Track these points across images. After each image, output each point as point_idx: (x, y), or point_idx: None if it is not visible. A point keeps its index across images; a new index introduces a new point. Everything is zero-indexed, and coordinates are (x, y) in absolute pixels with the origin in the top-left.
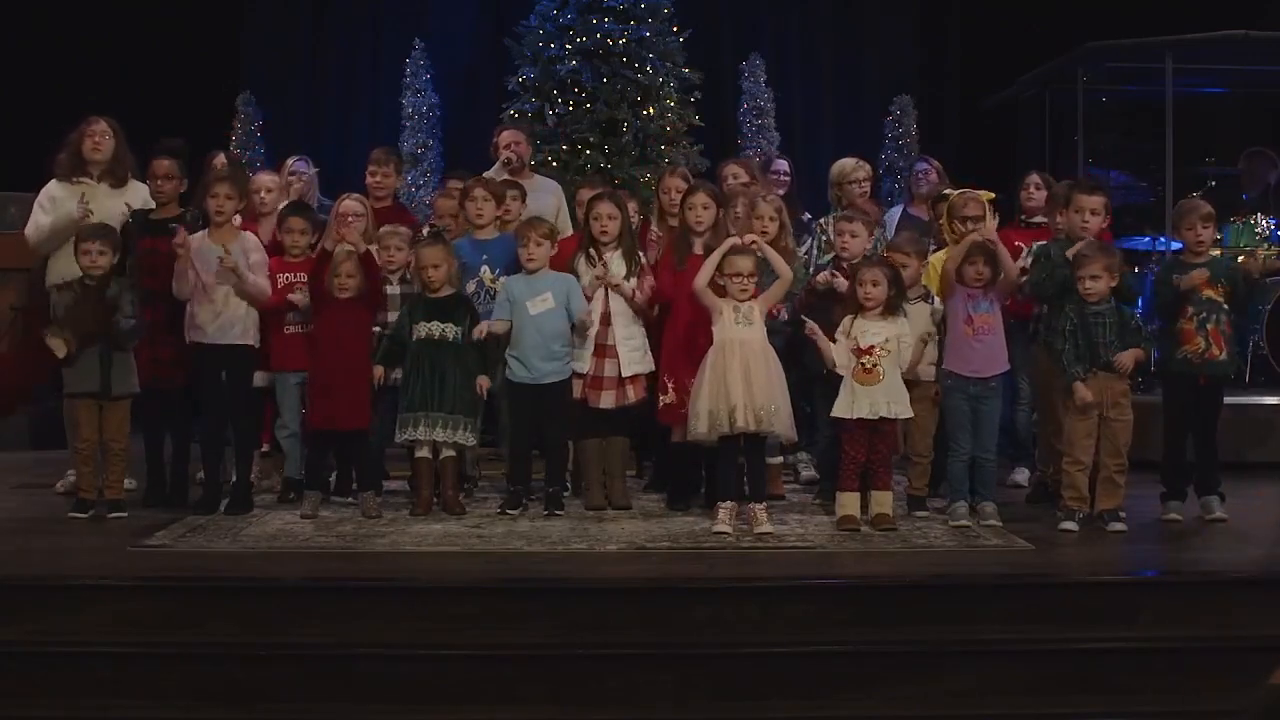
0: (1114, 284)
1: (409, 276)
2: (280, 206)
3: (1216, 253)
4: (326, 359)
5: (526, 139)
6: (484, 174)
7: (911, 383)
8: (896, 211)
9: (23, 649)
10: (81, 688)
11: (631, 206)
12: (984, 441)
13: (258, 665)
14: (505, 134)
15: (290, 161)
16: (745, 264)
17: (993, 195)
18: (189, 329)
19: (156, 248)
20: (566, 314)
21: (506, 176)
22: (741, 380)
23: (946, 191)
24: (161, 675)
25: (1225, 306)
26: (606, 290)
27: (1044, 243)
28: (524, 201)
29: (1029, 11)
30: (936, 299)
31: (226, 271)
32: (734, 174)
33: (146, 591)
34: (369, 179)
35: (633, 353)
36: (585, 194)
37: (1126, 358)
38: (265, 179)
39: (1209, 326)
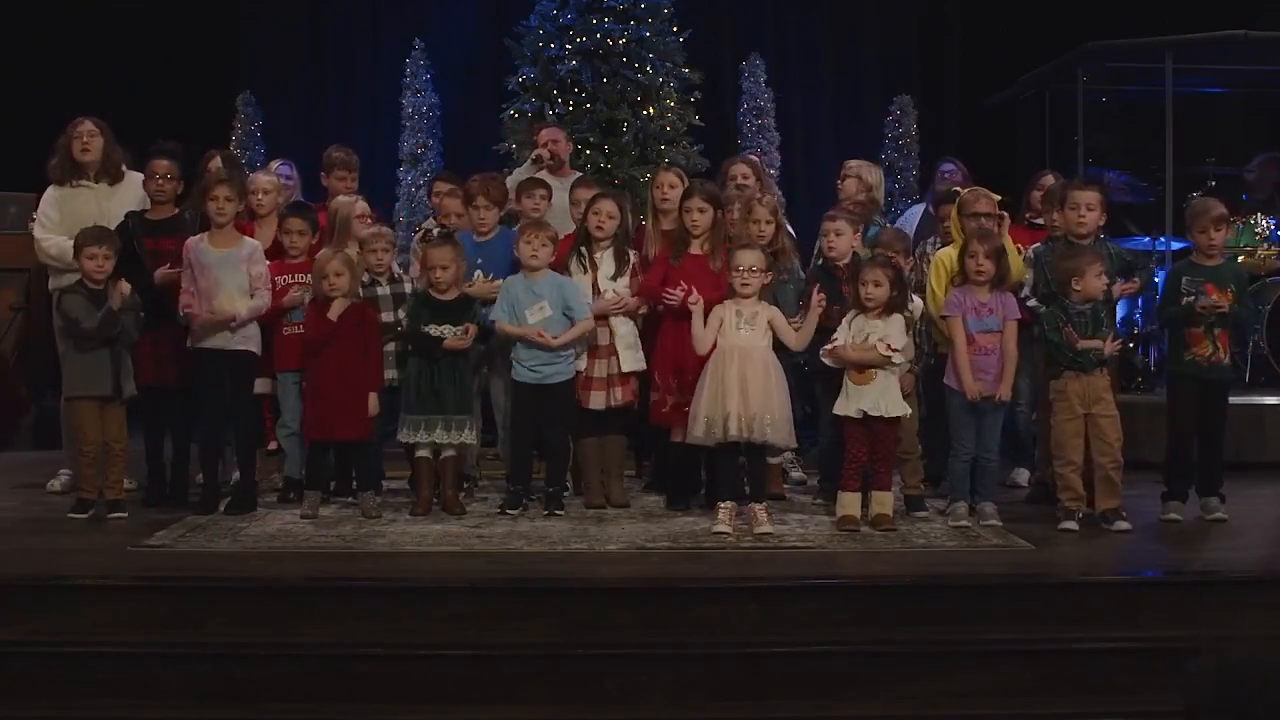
0: (1108, 285)
1: (398, 276)
2: (280, 208)
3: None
4: (324, 368)
5: (566, 138)
6: (515, 171)
7: None
8: (918, 211)
9: (22, 649)
10: (81, 688)
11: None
12: (987, 442)
13: (258, 665)
14: (544, 132)
15: (275, 165)
16: (751, 258)
17: (999, 198)
18: (191, 334)
19: (160, 248)
20: (565, 318)
21: (540, 173)
22: (737, 389)
23: (956, 189)
24: (161, 675)
25: (1230, 313)
26: (594, 290)
27: (1039, 245)
28: (550, 201)
29: (1029, 11)
30: (916, 297)
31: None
32: (743, 175)
33: (146, 591)
34: (336, 184)
35: (626, 350)
36: (582, 194)
37: (1112, 348)
38: (263, 180)
39: (1216, 331)
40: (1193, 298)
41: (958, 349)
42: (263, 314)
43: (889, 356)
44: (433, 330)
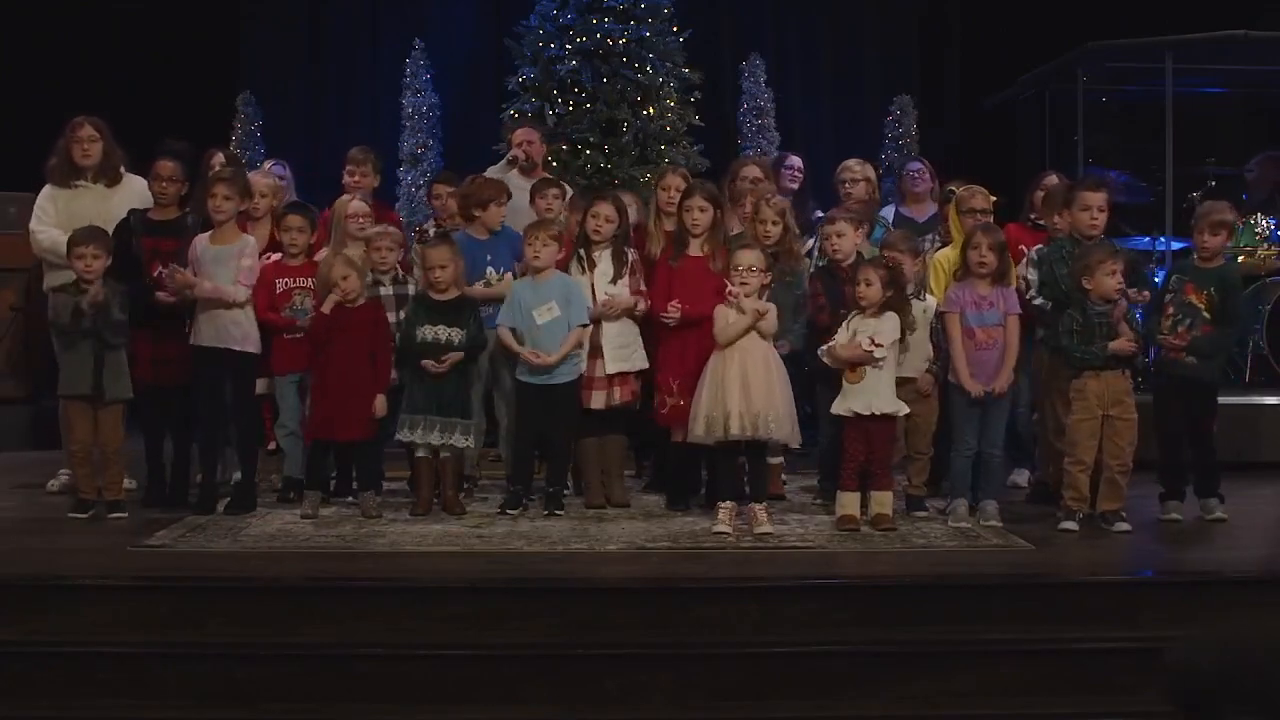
0: (1122, 284)
1: (402, 277)
2: (275, 209)
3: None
4: (330, 368)
5: (540, 138)
6: (488, 169)
7: (905, 379)
8: (889, 211)
9: (22, 649)
10: (81, 688)
11: (632, 198)
12: (991, 437)
13: (258, 665)
14: (519, 132)
15: (269, 164)
16: (750, 258)
17: (995, 198)
18: (192, 333)
19: (157, 247)
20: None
21: (512, 173)
22: (739, 387)
23: (952, 188)
24: (161, 675)
25: (1207, 315)
26: (592, 290)
27: (1041, 247)
28: (565, 200)
29: (1029, 11)
30: (929, 296)
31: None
32: (754, 177)
33: (146, 591)
34: (346, 179)
35: (619, 350)
36: (573, 217)
37: (1119, 345)
38: (261, 182)
39: (1179, 329)
40: (1170, 295)
41: (954, 346)
42: (228, 302)
43: (870, 352)
44: (428, 334)
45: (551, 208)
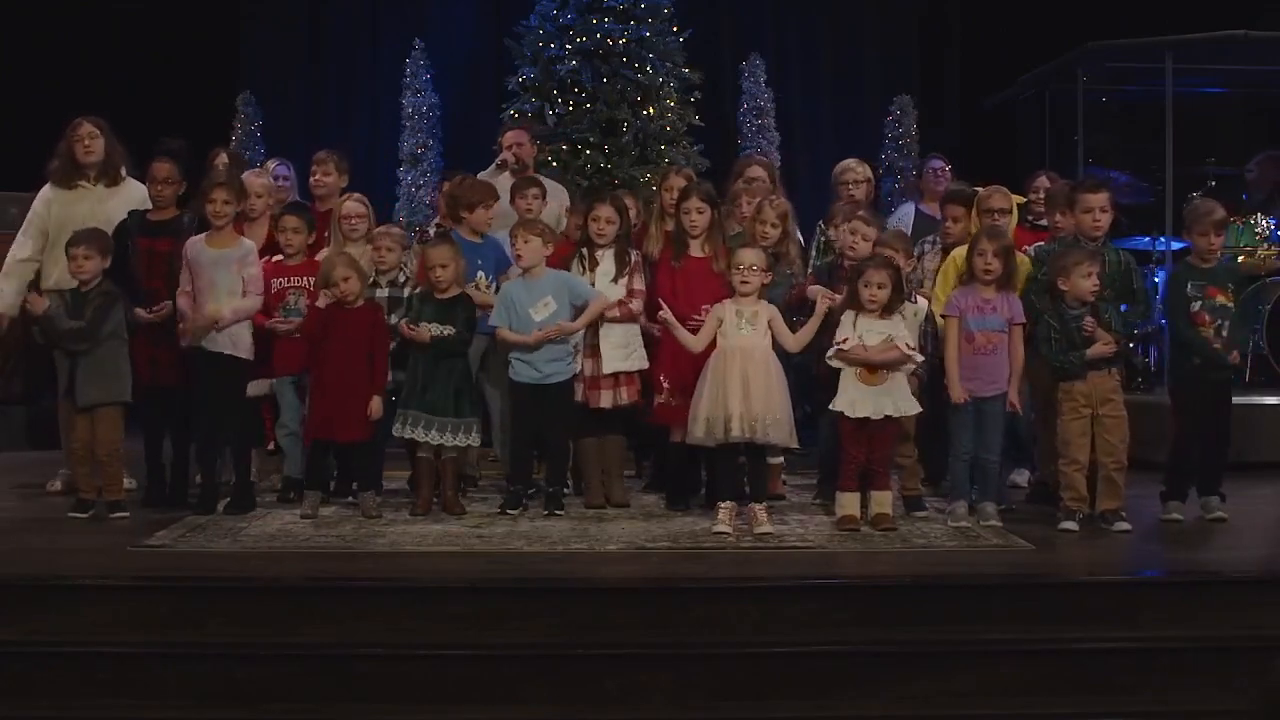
0: (1097, 286)
1: (401, 279)
2: (273, 209)
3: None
4: (328, 367)
5: (530, 141)
6: (479, 173)
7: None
8: (909, 210)
9: (22, 649)
10: (81, 688)
11: (631, 202)
12: (987, 441)
13: (258, 665)
14: (509, 134)
15: (272, 164)
16: (751, 257)
17: (1024, 199)
18: (181, 333)
19: (155, 249)
20: (572, 311)
21: (503, 175)
22: (739, 389)
23: (975, 188)
24: (161, 675)
25: (1234, 310)
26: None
27: (1042, 244)
28: (545, 200)
29: (1029, 11)
30: (919, 298)
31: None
32: (749, 176)
33: (146, 591)
34: (310, 180)
35: (615, 350)
36: (575, 221)
37: (1097, 350)
38: (256, 183)
39: (1223, 333)
40: (1199, 302)
41: (949, 350)
42: (251, 315)
43: (911, 355)
44: (433, 329)
45: (531, 208)
